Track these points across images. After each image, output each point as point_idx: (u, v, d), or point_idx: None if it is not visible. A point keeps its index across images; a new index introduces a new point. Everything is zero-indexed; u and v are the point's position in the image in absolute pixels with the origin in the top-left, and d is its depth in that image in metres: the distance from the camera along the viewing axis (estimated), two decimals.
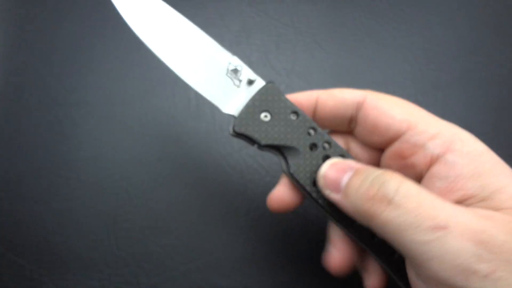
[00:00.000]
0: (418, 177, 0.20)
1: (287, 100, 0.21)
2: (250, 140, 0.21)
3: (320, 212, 0.21)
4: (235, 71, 0.21)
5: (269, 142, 0.20)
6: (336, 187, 0.19)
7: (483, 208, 0.17)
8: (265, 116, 0.20)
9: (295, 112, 0.21)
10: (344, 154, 0.21)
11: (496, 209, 0.16)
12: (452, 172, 0.18)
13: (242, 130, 0.20)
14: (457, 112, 0.32)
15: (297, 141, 0.20)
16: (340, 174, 0.19)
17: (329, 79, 0.33)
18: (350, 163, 0.20)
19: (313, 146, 0.21)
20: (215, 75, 0.21)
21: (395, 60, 0.34)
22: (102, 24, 0.34)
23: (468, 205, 0.17)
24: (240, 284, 0.28)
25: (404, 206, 0.16)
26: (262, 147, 0.21)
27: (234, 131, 0.20)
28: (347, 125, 0.22)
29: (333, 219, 0.21)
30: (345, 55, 0.34)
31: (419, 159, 0.19)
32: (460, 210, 0.16)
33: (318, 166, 0.20)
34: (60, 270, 0.28)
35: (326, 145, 0.21)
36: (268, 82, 0.21)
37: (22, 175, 0.30)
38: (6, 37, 0.34)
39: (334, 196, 0.19)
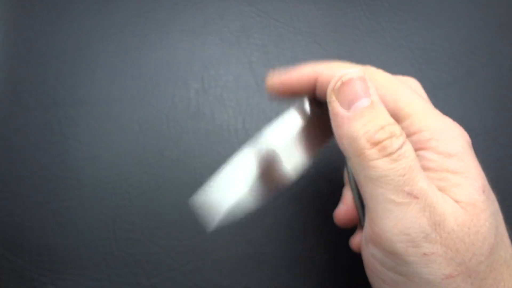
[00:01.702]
0: None
1: None
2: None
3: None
4: None
5: None
6: (347, 104, 0.18)
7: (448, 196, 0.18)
8: None
9: None
10: None
11: (455, 201, 0.17)
12: (421, 164, 0.18)
13: None
14: (457, 112, 0.32)
15: None
16: (357, 94, 0.18)
17: None
18: (372, 89, 0.18)
19: None
20: None
21: (395, 60, 0.34)
22: (102, 24, 0.34)
23: None
24: (240, 284, 0.28)
25: (399, 163, 0.17)
26: None
27: None
28: None
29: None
30: (345, 55, 0.34)
31: None
32: (433, 188, 0.17)
33: None
34: (59, 270, 0.28)
35: None
36: None
37: (22, 175, 0.30)
38: (6, 37, 0.34)
39: (339, 109, 0.18)
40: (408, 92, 0.20)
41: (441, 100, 0.33)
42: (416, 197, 0.17)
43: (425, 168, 0.18)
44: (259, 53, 0.34)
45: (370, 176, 0.17)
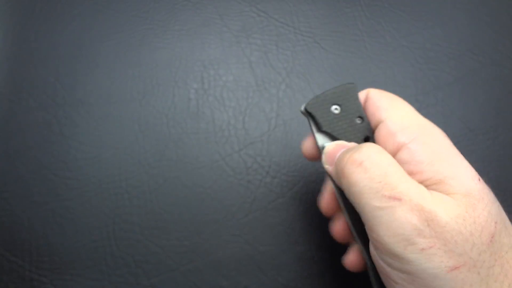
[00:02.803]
0: None
1: (359, 104, 0.23)
2: (314, 122, 0.23)
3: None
4: None
5: (329, 130, 0.23)
6: (331, 161, 0.22)
7: (437, 191, 0.18)
8: (335, 109, 0.23)
9: (361, 117, 0.23)
10: None
11: (448, 193, 0.18)
12: (413, 158, 0.19)
13: (312, 110, 0.23)
14: (457, 112, 0.32)
15: (352, 140, 0.23)
16: (336, 150, 0.22)
17: (329, 79, 0.33)
18: (349, 144, 0.22)
19: None
20: None
21: (395, 60, 0.34)
22: (102, 24, 0.34)
23: (426, 187, 0.19)
24: (240, 284, 0.28)
25: (371, 171, 0.19)
26: (321, 131, 0.23)
27: (305, 108, 0.23)
28: None
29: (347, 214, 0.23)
30: (345, 55, 0.34)
31: (389, 146, 0.21)
32: (418, 188, 0.18)
33: None
34: (59, 271, 0.28)
35: None
36: (349, 83, 0.24)
37: (22, 175, 0.30)
38: (6, 37, 0.34)
39: (328, 168, 0.22)
40: (400, 103, 0.23)
41: (441, 100, 0.33)
42: (399, 199, 0.18)
43: (419, 162, 0.19)
44: (259, 53, 0.34)
45: (356, 192, 0.19)
